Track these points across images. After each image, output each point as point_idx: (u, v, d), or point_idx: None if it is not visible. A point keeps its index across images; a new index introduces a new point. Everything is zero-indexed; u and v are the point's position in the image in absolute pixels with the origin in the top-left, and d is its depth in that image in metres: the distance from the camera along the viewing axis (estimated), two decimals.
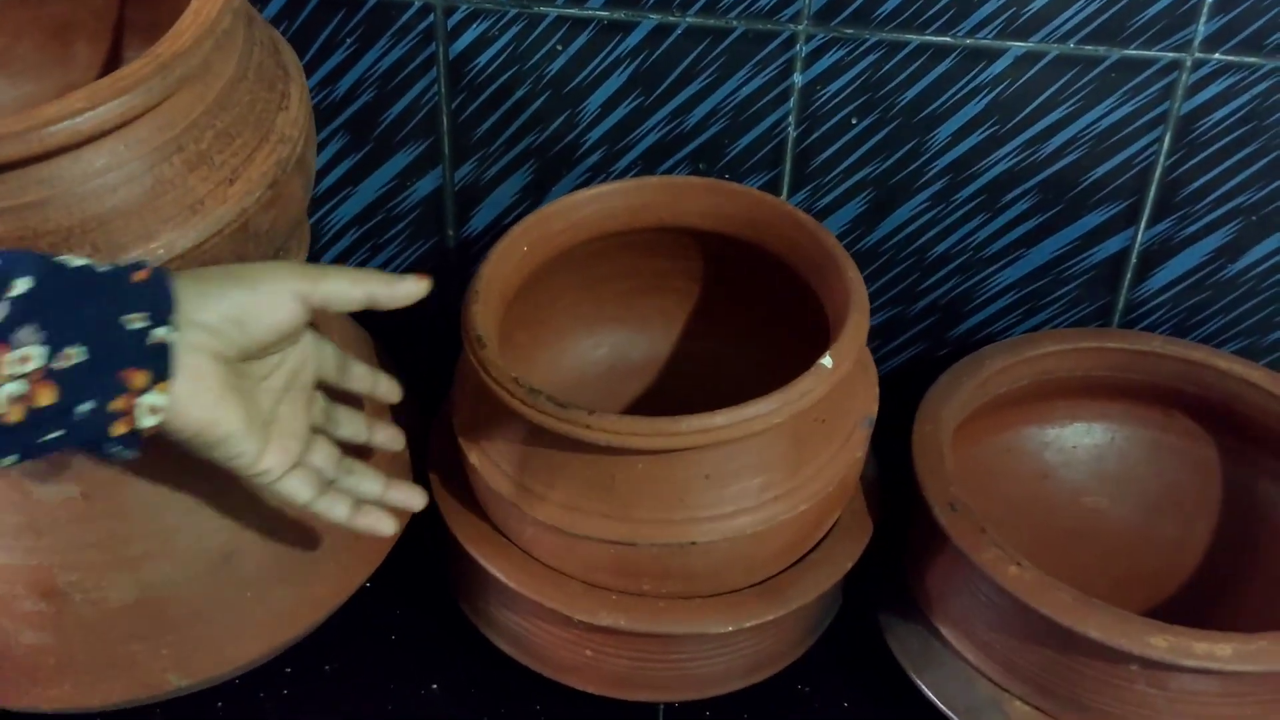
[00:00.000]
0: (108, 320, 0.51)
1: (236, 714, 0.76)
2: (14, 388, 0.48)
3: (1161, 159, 0.81)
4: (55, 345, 0.49)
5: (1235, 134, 0.79)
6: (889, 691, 0.76)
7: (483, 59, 0.83)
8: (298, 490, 0.61)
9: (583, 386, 0.86)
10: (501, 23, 0.81)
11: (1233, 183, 0.81)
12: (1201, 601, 0.82)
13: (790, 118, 0.83)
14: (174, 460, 0.65)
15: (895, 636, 0.77)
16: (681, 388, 0.88)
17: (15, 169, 0.52)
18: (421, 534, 0.78)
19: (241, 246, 0.60)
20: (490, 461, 0.69)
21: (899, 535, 0.79)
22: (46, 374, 0.49)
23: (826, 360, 0.64)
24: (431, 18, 0.82)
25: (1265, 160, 0.80)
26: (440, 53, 0.83)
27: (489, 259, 0.72)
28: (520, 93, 0.84)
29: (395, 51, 0.83)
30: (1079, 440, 0.89)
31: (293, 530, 0.69)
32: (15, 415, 0.49)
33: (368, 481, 0.66)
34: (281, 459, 0.60)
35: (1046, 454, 0.88)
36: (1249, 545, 0.82)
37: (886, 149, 0.84)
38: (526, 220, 0.74)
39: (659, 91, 0.83)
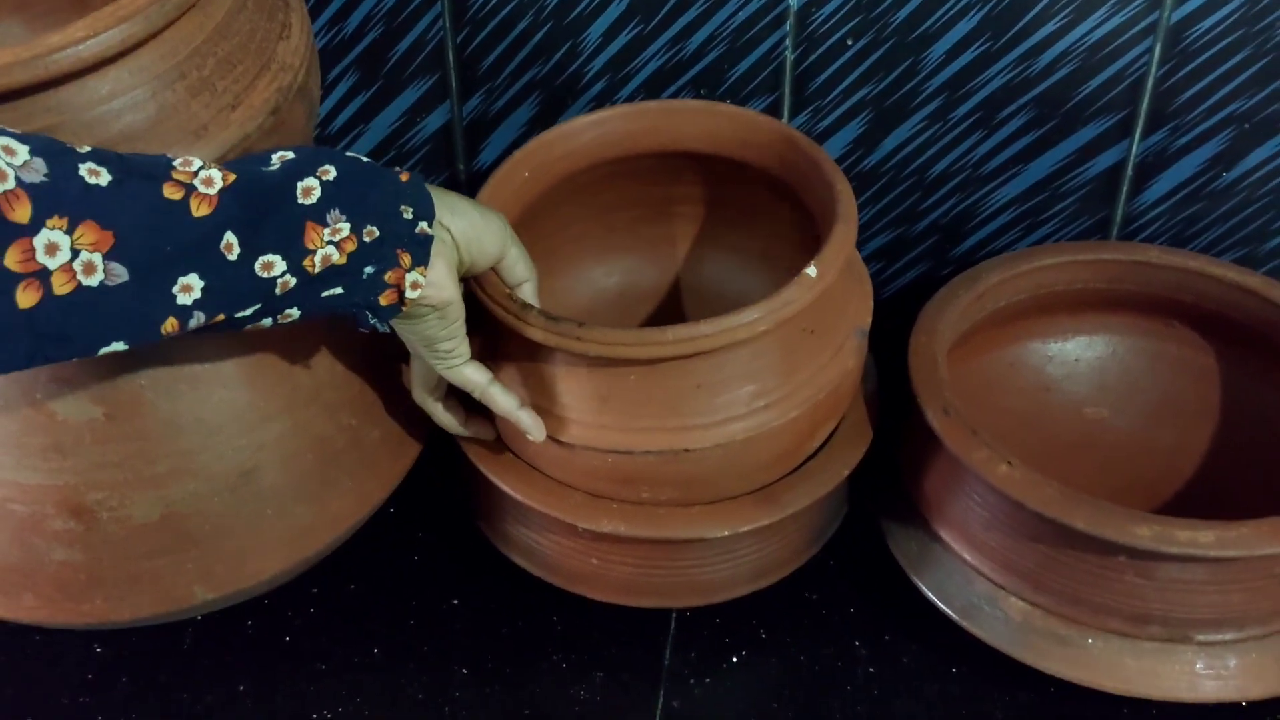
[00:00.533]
0: (390, 207, 0.60)
1: (266, 631, 0.80)
2: (328, 250, 0.57)
3: (1153, 70, 0.81)
4: (357, 221, 0.58)
5: (1225, 41, 0.80)
6: (892, 595, 0.79)
7: None
8: (478, 374, 0.69)
9: (595, 315, 0.88)
10: None
11: (1224, 90, 0.82)
12: (1201, 506, 0.83)
13: (787, 41, 0.84)
14: (191, 383, 0.68)
15: (896, 541, 0.79)
16: (692, 312, 0.90)
17: (24, 96, 0.54)
18: (438, 458, 0.81)
19: None
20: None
21: (899, 444, 0.81)
22: (352, 242, 0.58)
23: (811, 270, 0.65)
24: None
25: (1256, 67, 0.80)
26: None
27: (488, 184, 0.74)
28: (523, 25, 0.86)
29: None
30: (1081, 353, 0.90)
31: (310, 451, 0.72)
32: (314, 270, 0.57)
33: (511, 395, 0.71)
34: (468, 349, 0.68)
35: (1049, 367, 0.90)
36: (1248, 450, 0.84)
37: (883, 69, 0.85)
38: (527, 146, 0.77)
39: (658, 19, 0.85)
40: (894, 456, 0.81)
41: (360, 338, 0.73)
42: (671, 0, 0.84)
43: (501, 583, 0.81)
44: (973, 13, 0.81)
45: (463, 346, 0.67)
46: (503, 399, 0.69)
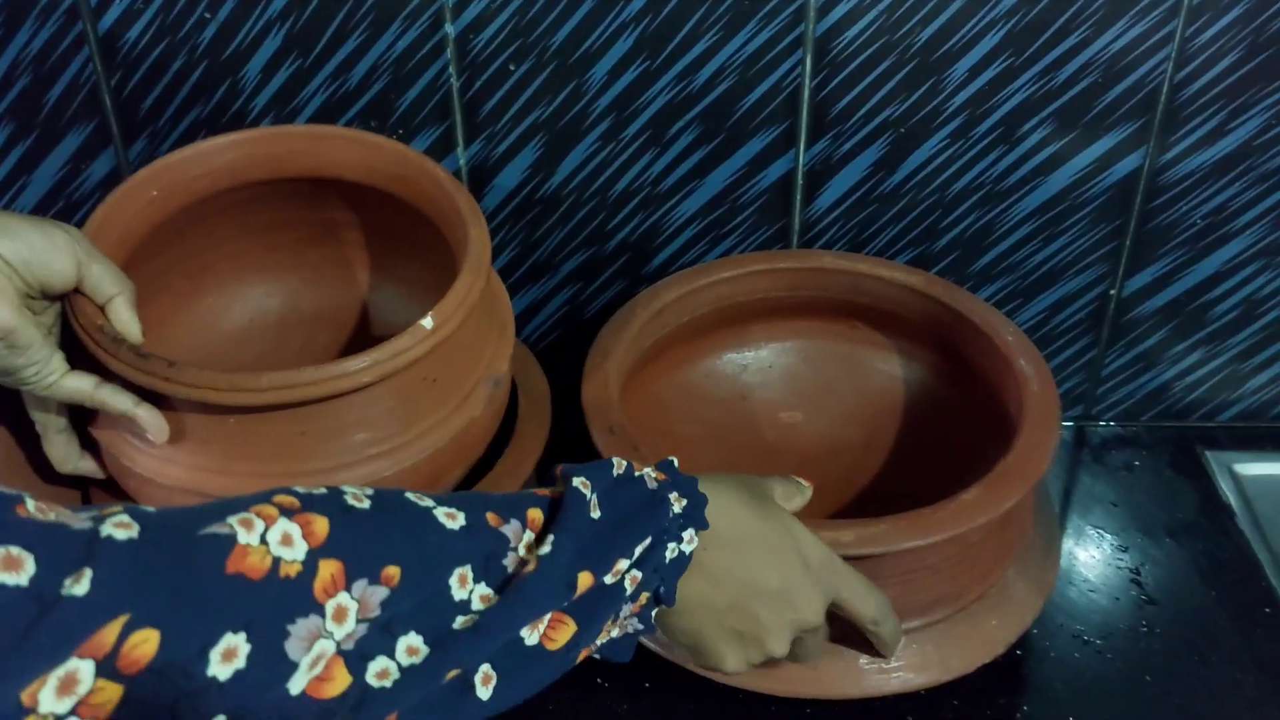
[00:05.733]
0: None
1: None
2: None
3: (807, 80, 0.83)
4: None
5: (870, 50, 0.82)
6: None
7: (133, 33, 0.82)
8: (82, 381, 0.65)
9: (253, 336, 0.85)
10: None
11: (877, 97, 0.84)
12: (885, 500, 0.85)
13: (451, 68, 0.84)
14: None
15: None
16: (360, 340, 0.88)
17: None
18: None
19: None
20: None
21: None
22: None
23: (426, 321, 0.64)
24: None
25: (903, 73, 0.82)
26: (89, 30, 0.82)
27: (104, 203, 0.71)
28: (177, 64, 0.84)
29: (44, 32, 0.82)
30: (774, 360, 0.91)
31: None
32: None
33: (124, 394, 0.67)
34: (63, 363, 0.65)
35: (744, 376, 0.91)
36: (925, 442, 0.86)
37: (549, 92, 0.85)
38: (153, 165, 0.74)
39: (317, 51, 0.83)
40: None
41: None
42: (329, 31, 0.82)
43: None
44: (628, 33, 0.82)
45: (53, 362, 0.64)
46: (115, 399, 0.65)
